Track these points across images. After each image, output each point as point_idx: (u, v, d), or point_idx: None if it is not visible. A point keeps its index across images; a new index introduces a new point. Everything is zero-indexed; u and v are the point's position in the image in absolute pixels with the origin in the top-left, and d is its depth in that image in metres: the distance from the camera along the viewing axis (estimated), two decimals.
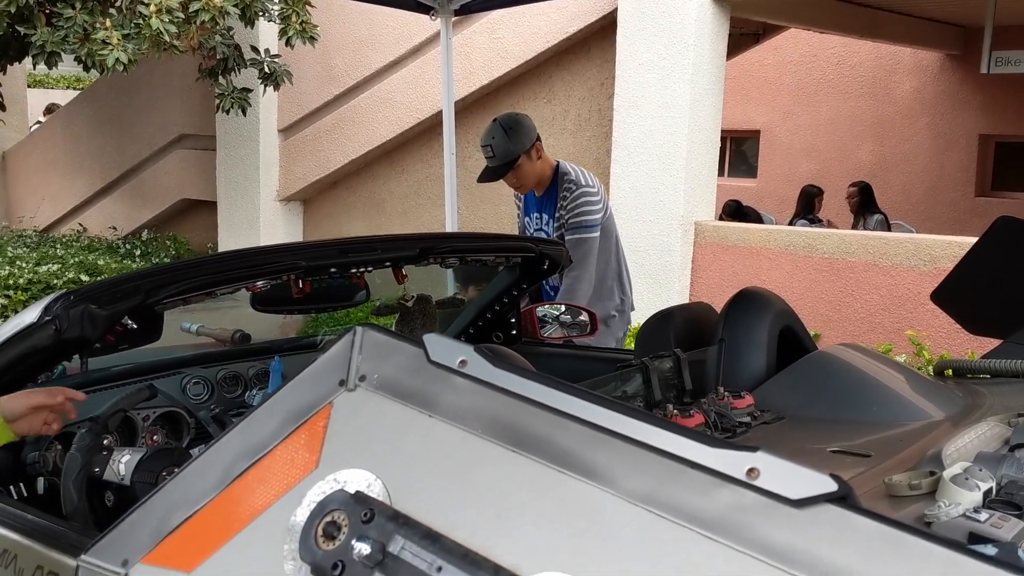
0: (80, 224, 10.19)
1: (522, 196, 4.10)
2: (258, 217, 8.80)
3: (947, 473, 1.33)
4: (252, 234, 8.82)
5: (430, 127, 8.20)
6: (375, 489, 1.22)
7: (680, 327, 2.34)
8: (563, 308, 3.46)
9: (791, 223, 9.84)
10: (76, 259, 8.03)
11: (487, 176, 3.95)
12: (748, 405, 1.89)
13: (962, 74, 10.42)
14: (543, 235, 3.78)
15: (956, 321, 2.71)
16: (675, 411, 1.75)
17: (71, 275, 7.67)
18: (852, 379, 1.98)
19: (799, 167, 11.32)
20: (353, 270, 2.41)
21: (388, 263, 2.48)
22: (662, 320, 2.40)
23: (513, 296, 3.11)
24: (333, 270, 2.36)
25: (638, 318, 6.80)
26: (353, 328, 1.41)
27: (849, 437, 1.80)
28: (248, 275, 2.15)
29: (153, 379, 2.83)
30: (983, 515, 1.22)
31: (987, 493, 1.31)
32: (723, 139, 13.20)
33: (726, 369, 2.11)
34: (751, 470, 1.02)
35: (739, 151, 12.67)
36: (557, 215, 3.77)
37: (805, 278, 6.24)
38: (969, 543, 1.18)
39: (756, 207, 10.98)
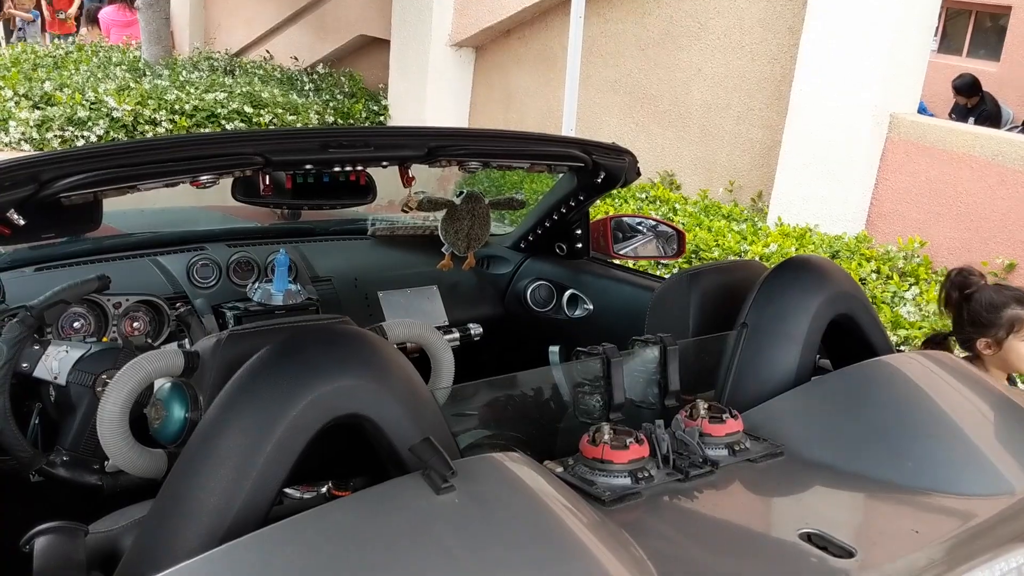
0: (267, 51, 10.27)
1: None
2: (427, 61, 8.47)
3: None
4: (421, 78, 8.53)
5: None
6: None
7: (710, 295, 1.78)
8: (648, 222, 2.93)
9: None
10: (244, 89, 8.07)
11: None
12: (731, 432, 1.39)
13: None
14: None
15: None
16: (608, 436, 1.29)
17: (235, 105, 7.72)
18: (893, 413, 1.42)
19: None
20: (337, 169, 2.02)
21: (384, 163, 2.07)
22: (684, 282, 1.84)
23: (571, 207, 2.64)
24: (309, 167, 1.99)
25: (810, 218, 6.04)
26: None
27: (853, 509, 1.29)
28: (188, 169, 1.81)
29: (161, 254, 2.63)
30: None
31: None
32: (966, 13, 11.41)
33: (742, 365, 1.59)
34: None
35: (983, 28, 10.90)
36: None
37: (1011, 196, 5.23)
38: None
39: (995, 96, 9.49)
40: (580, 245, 2.81)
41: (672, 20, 7.18)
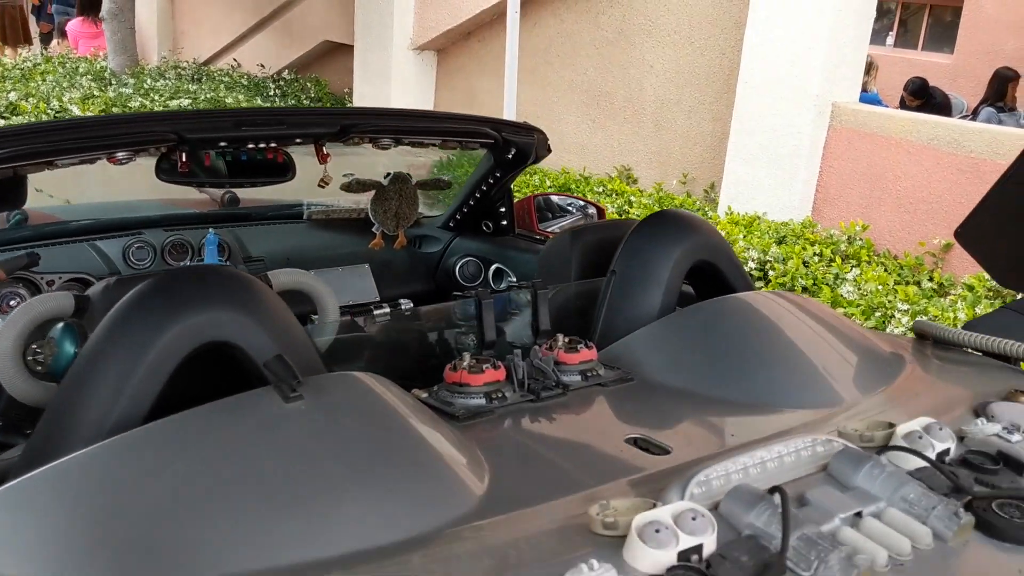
0: (235, 60, 10.40)
1: None
2: (390, 65, 8.62)
3: (636, 523, 0.98)
4: (384, 82, 8.67)
5: None
6: None
7: (590, 249, 1.95)
8: (570, 200, 3.09)
9: (975, 111, 8.68)
10: (208, 95, 8.19)
11: None
12: (584, 360, 1.54)
13: None
14: None
15: (981, 266, 2.17)
16: (467, 363, 1.43)
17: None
18: (735, 341, 1.58)
19: (1004, 44, 9.85)
20: (251, 145, 2.16)
21: (298, 140, 2.21)
22: (566, 239, 2.01)
23: (491, 184, 2.78)
24: (224, 144, 2.13)
25: (758, 206, 6.21)
26: None
27: (677, 419, 1.44)
28: (105, 145, 1.95)
29: (99, 239, 2.76)
30: None
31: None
32: (920, 7, 11.68)
33: (611, 308, 1.74)
34: None
35: (937, 22, 11.15)
36: None
37: (946, 179, 5.42)
38: None
39: (949, 88, 9.74)
40: (505, 222, 2.96)
41: (624, 19, 7.36)
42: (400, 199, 2.86)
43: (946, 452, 1.22)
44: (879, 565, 0.99)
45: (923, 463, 1.16)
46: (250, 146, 2.14)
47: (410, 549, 1.01)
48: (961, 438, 1.28)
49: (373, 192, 2.86)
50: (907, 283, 5.27)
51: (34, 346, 1.63)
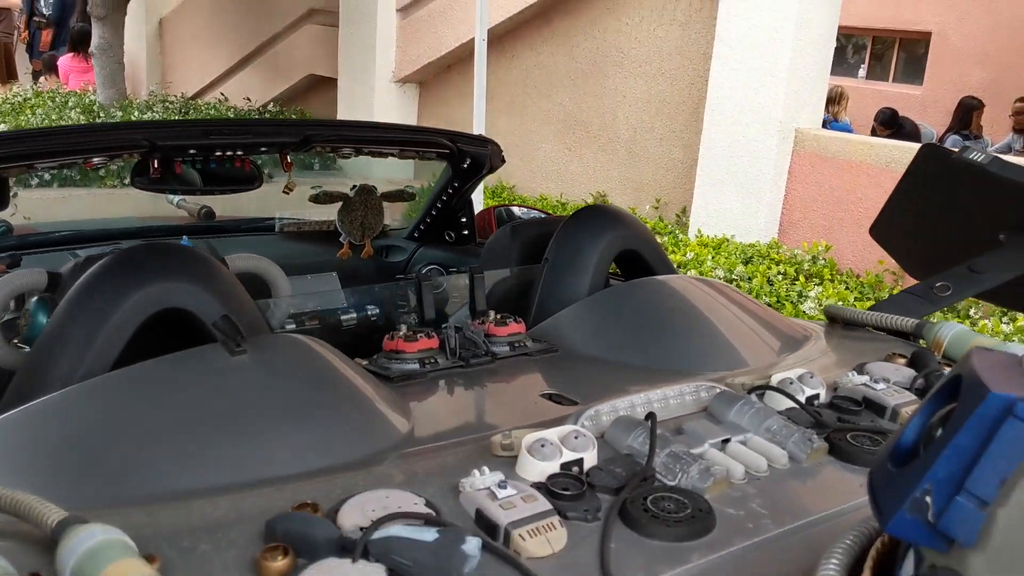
0: (222, 94, 10.62)
1: None
2: (373, 97, 8.85)
3: (525, 440, 1.14)
4: (367, 114, 8.88)
5: (540, 12, 7.89)
6: None
7: (528, 241, 2.13)
8: (527, 211, 3.27)
9: (942, 139, 8.94)
10: None
11: None
12: (513, 333, 1.70)
13: None
14: None
15: (894, 259, 2.34)
16: (403, 332, 1.60)
17: None
18: (649, 315, 1.74)
19: (970, 75, 10.16)
20: (218, 153, 2.33)
21: (264, 148, 2.39)
22: (507, 232, 2.19)
23: (451, 195, 2.96)
24: (193, 152, 2.29)
25: (727, 229, 6.41)
26: None
27: (586, 381, 1.60)
28: (82, 150, 2.11)
29: (79, 248, 2.92)
30: (507, 491, 1.03)
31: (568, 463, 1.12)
32: (892, 41, 12.02)
33: (546, 293, 1.91)
34: None
35: (907, 54, 11.48)
36: None
37: None
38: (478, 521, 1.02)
39: (919, 117, 10.02)
40: (467, 232, 3.13)
41: (598, 51, 7.61)
42: (366, 210, 3.03)
43: (816, 397, 1.38)
44: (736, 477, 1.14)
45: (792, 404, 1.33)
46: (217, 154, 2.31)
47: (339, 471, 1.17)
48: (835, 388, 1.45)
49: (340, 203, 3.03)
50: (867, 299, 5.45)
51: (10, 317, 1.78)
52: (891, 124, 9.46)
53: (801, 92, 6.16)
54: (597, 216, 1.98)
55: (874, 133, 9.43)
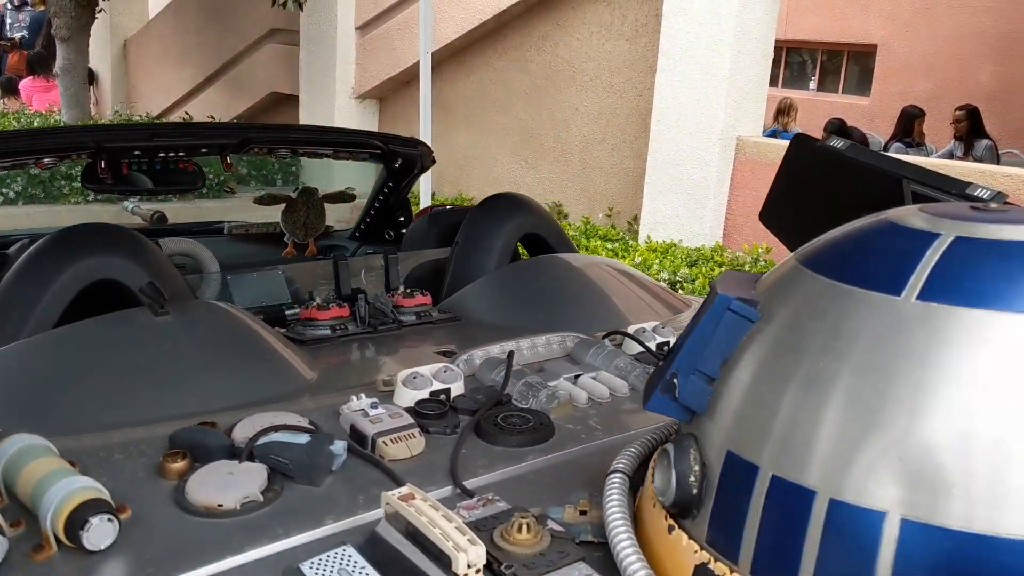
0: (187, 112, 10.78)
1: None
2: (334, 113, 9.04)
3: (401, 374, 1.34)
4: None
5: (495, 28, 8.14)
6: None
7: (444, 228, 2.35)
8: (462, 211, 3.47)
9: (886, 147, 9.26)
10: None
11: None
12: (419, 304, 1.90)
13: None
14: None
15: (781, 241, 2.57)
16: (316, 303, 1.80)
17: None
18: (541, 286, 1.95)
19: (915, 86, 10.52)
20: (161, 155, 2.52)
21: (204, 150, 2.58)
22: (425, 220, 2.41)
23: (386, 194, 3.16)
24: (137, 153, 2.48)
25: (674, 235, 6.66)
26: None
27: (480, 341, 1.80)
28: (33, 150, 2.30)
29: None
30: (377, 411, 1.23)
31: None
32: (841, 54, 12.43)
33: (456, 272, 2.11)
34: None
35: (855, 67, 11.86)
36: None
37: None
38: (352, 434, 1.21)
39: (867, 127, 10.35)
40: (404, 231, 3.33)
41: (551, 66, 7.87)
42: (308, 210, 3.22)
43: (666, 343, 1.59)
44: (580, 402, 1.35)
45: (642, 349, 1.54)
46: (161, 155, 2.50)
47: (244, 408, 1.36)
48: None
49: (284, 205, 3.22)
50: None
51: None
52: (840, 134, 9.81)
53: (742, 102, 6.43)
54: (503, 203, 2.19)
55: None
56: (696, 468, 0.91)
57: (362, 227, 3.38)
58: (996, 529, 0.73)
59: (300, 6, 7.27)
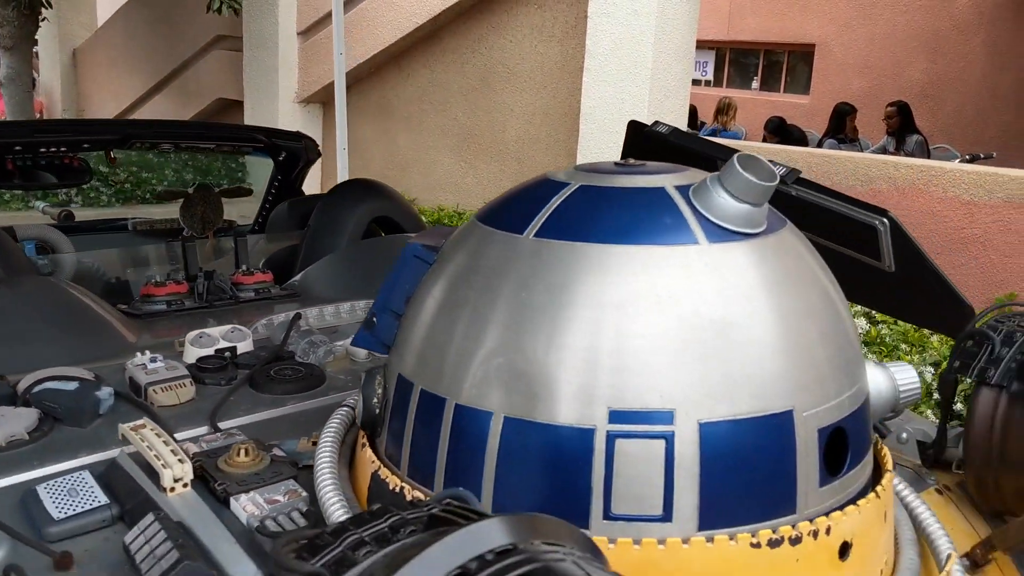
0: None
1: None
2: (277, 118, 9.14)
3: (189, 335, 1.47)
4: None
5: (432, 31, 8.28)
6: None
7: (302, 214, 2.48)
8: None
9: (820, 143, 9.49)
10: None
11: None
12: (259, 281, 2.03)
13: None
14: None
15: None
16: (155, 281, 1.92)
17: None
18: (354, 268, 2.09)
19: (852, 84, 10.77)
20: (43, 150, 2.63)
21: (87, 145, 2.69)
22: (285, 207, 2.54)
23: (277, 187, 3.28)
24: (19, 148, 2.59)
25: None
26: None
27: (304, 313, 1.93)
28: None
29: None
30: (155, 364, 1.36)
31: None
32: (780, 52, 12.71)
33: (307, 254, 2.24)
34: None
35: (795, 66, 12.12)
36: None
37: None
38: (130, 385, 1.34)
39: (806, 125, 10.58)
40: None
41: (487, 67, 8.02)
42: (205, 205, 3.33)
43: None
44: (359, 357, 1.48)
45: None
46: (42, 150, 2.61)
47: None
48: None
49: (182, 200, 3.34)
50: None
51: None
52: (779, 132, 10.02)
53: (664, 100, 6.61)
54: (355, 188, 2.33)
55: (765, 141, 9.98)
56: (380, 391, 1.05)
57: (260, 220, 3.50)
58: (554, 419, 0.88)
59: (236, 12, 7.37)
